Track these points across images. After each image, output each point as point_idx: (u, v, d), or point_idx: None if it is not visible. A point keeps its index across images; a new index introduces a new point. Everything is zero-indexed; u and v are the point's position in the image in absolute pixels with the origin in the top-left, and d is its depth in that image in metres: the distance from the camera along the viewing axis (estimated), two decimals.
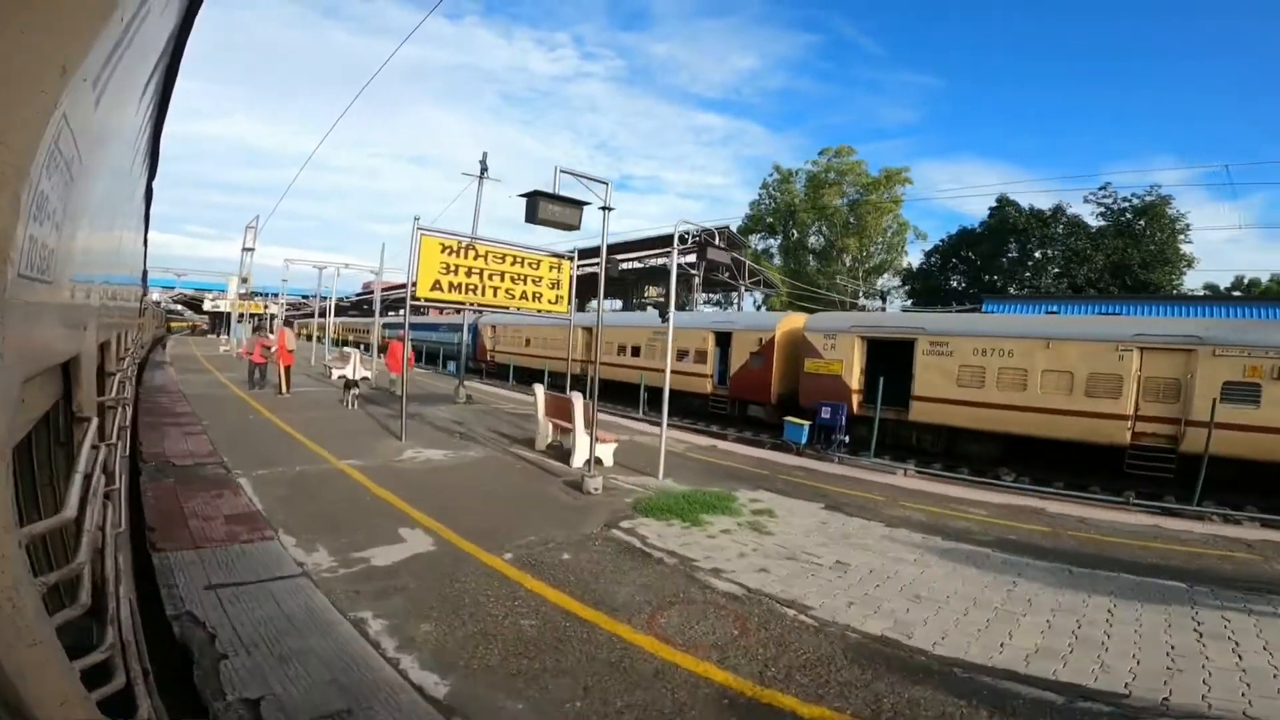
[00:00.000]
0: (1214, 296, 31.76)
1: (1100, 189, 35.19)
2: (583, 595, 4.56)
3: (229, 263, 55.88)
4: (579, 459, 8.70)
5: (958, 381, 15.97)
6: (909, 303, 40.25)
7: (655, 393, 22.05)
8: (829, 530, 6.77)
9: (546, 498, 7.24)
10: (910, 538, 6.64)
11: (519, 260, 10.68)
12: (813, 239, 44.41)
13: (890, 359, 17.41)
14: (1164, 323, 15.26)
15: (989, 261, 36.16)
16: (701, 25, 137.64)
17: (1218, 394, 12.83)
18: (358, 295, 64.59)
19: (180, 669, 3.29)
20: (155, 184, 7.56)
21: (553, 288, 11.44)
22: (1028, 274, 35.19)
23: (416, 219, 9.20)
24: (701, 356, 21.89)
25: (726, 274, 33.38)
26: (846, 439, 16.49)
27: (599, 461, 8.86)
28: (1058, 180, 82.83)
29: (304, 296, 66.41)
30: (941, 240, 41.09)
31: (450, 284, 9.63)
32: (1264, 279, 31.65)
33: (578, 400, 8.81)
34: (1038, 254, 35.48)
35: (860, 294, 42.79)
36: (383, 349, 35.65)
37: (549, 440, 9.74)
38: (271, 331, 31.13)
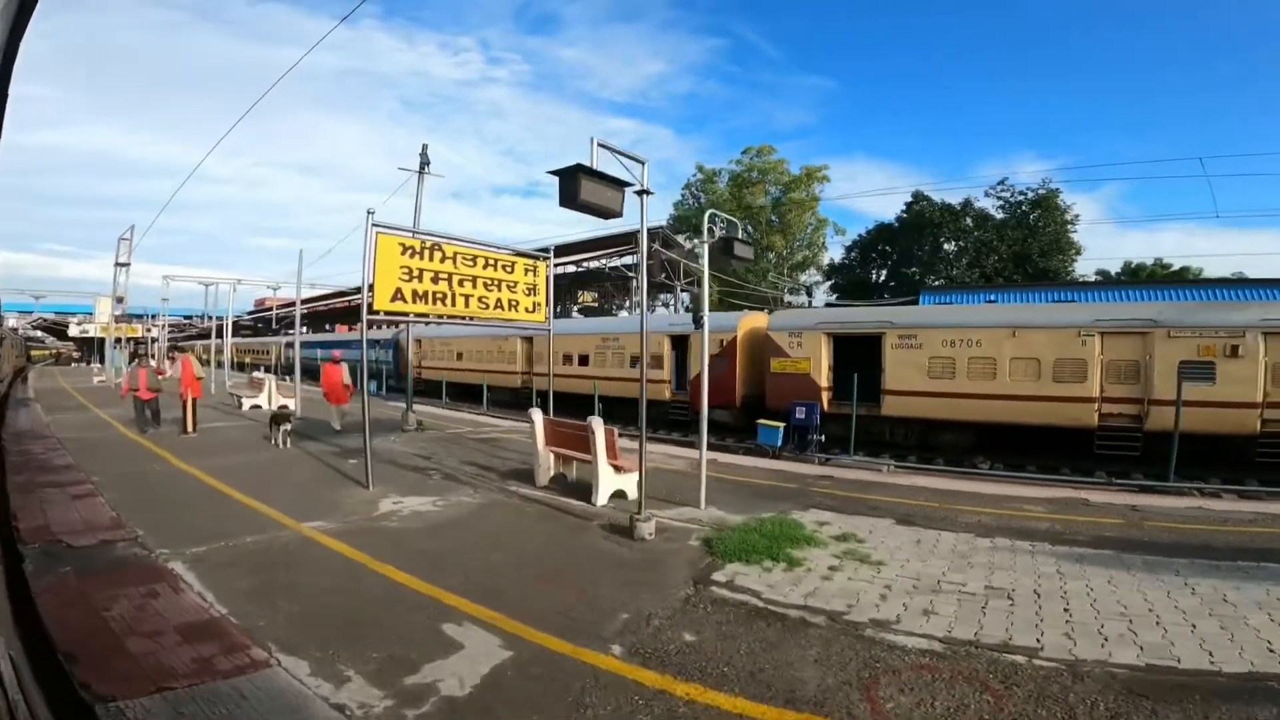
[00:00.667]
0: (1107, 281, 34.49)
1: (999, 184, 37.58)
2: (762, 693, 3.38)
3: (94, 283, 49.00)
4: (603, 495, 7.34)
5: (929, 373, 15.90)
6: (834, 297, 41.18)
7: (607, 403, 20.92)
8: (934, 550, 6.08)
9: (597, 552, 5.86)
10: (1022, 547, 6.14)
11: (492, 263, 9.12)
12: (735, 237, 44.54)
13: (858, 354, 17.15)
14: (1121, 308, 15.84)
15: (906, 255, 37.63)
16: (610, 30, 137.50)
17: (1177, 373, 13.24)
18: (250, 314, 58.59)
19: None
20: None
21: (529, 293, 9.94)
22: (941, 265, 36.89)
23: (370, 213, 7.44)
24: (657, 361, 20.82)
25: (663, 275, 32.57)
26: (822, 438, 16.04)
27: (622, 494, 7.54)
28: (945, 177, 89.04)
29: (186, 317, 59.27)
30: (859, 235, 42.53)
31: (414, 293, 7.93)
32: (1149, 263, 34.87)
33: (598, 427, 7.41)
34: (949, 246, 37.30)
35: (787, 291, 43.35)
36: (310, 373, 31.74)
37: (551, 473, 8.24)
38: (155, 358, 27.13)
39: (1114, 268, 37.44)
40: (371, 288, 7.51)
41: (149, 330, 37.86)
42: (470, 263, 8.70)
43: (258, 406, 17.67)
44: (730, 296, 40.25)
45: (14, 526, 5.74)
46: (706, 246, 8.12)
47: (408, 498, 7.37)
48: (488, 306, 8.98)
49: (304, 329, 59.21)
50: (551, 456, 8.11)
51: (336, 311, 59.87)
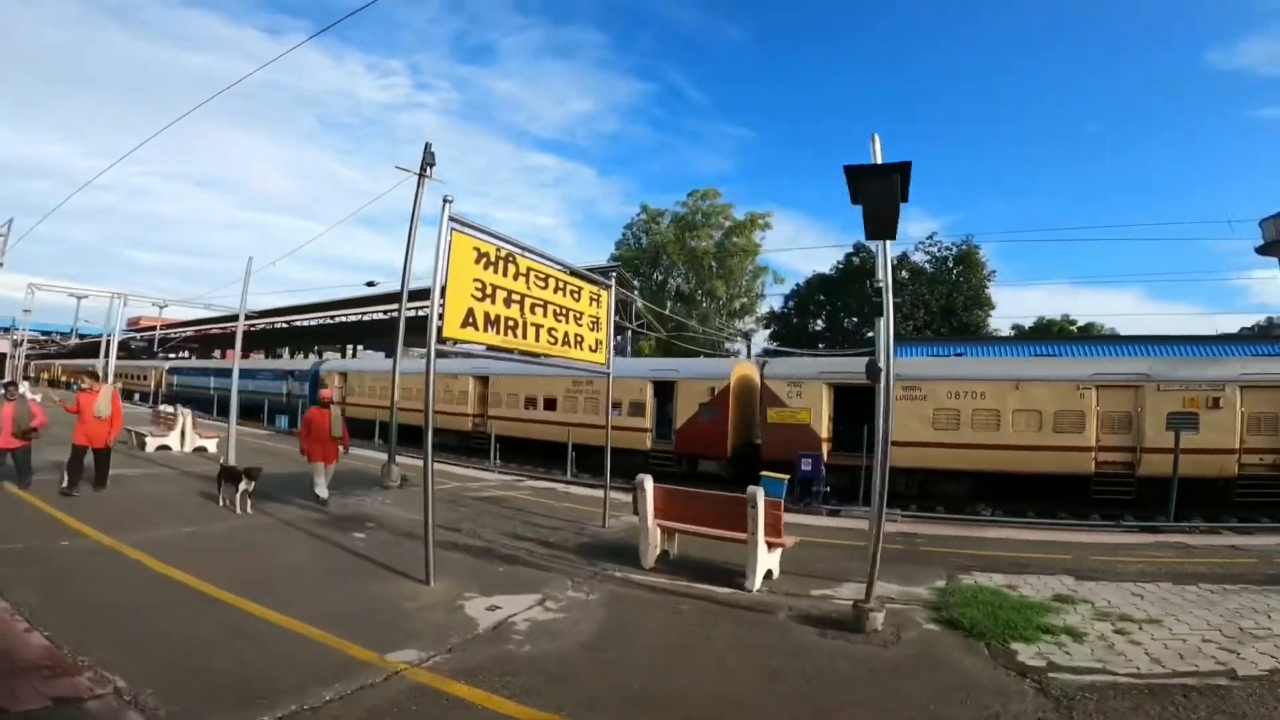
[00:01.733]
0: (1021, 336, 37.04)
1: (928, 238, 39.93)
2: None
3: None
4: (758, 578, 5.76)
5: (933, 424, 15.82)
6: (773, 345, 41.62)
7: (553, 449, 19.09)
8: (1168, 606, 5.65)
9: (849, 661, 4.39)
10: (1230, 589, 6.11)
11: (561, 286, 7.43)
12: (678, 281, 44.40)
13: (857, 405, 16.81)
14: (1114, 363, 16.56)
15: (848, 305, 38.81)
16: (545, 66, 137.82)
17: (1167, 422, 13.98)
18: (125, 332, 51.00)
19: None
20: None
21: (592, 328, 8.30)
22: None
23: (448, 201, 5.54)
24: (638, 409, 19.40)
25: (617, 316, 31.38)
26: (828, 489, 15.40)
27: (768, 574, 6.03)
28: (843, 230, 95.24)
29: (46, 333, 50.50)
30: (797, 285, 43.56)
31: (486, 317, 6.10)
32: (1056, 318, 37.98)
33: (760, 499, 5.87)
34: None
35: (726, 339, 43.41)
36: (284, 412, 26.85)
37: (657, 550, 6.50)
38: (28, 384, 22.46)
39: (1023, 323, 40.54)
40: (442, 299, 5.58)
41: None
42: (542, 283, 6.98)
43: (166, 448, 14.38)
44: (672, 344, 39.64)
45: None
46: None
47: (494, 596, 5.30)
48: (555, 341, 7.23)
49: (185, 354, 52.35)
50: (659, 532, 6.42)
51: (218, 337, 53.53)
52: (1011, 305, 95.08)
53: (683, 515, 6.47)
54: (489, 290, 6.19)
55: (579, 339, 7.84)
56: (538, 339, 6.95)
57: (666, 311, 42.52)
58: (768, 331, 43.68)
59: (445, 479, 12.98)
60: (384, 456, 13.08)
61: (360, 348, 43.63)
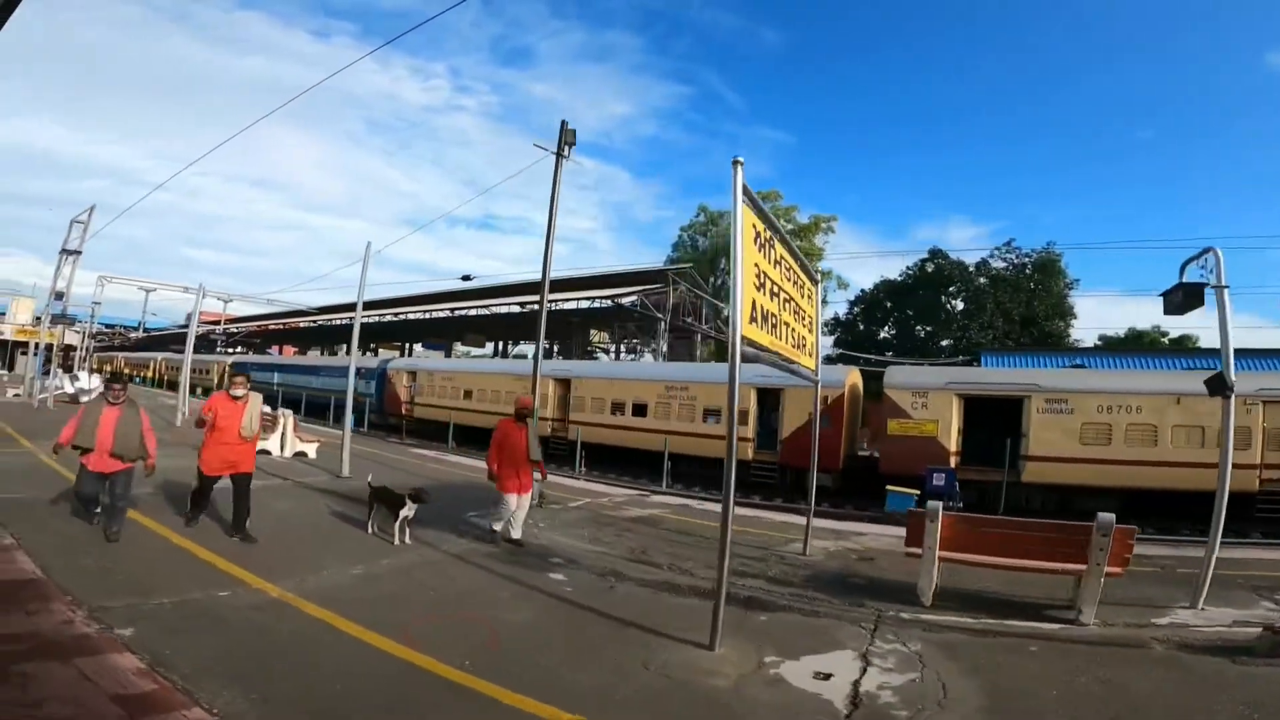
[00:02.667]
0: (1111, 347, 35.17)
1: (1005, 244, 38.19)
2: None
3: (11, 284, 41.62)
4: (1092, 611, 4.81)
5: (1080, 439, 14.73)
6: (836, 353, 40.32)
7: (632, 455, 18.14)
8: None
9: None
10: None
11: (797, 279, 6.49)
12: None
13: (986, 417, 15.83)
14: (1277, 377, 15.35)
15: (921, 312, 37.33)
16: (582, 69, 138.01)
17: None
18: (180, 327, 51.82)
19: None
20: None
21: (809, 328, 7.39)
22: (955, 325, 36.66)
23: (739, 162, 4.59)
24: (740, 416, 18.34)
25: (688, 318, 30.44)
26: (961, 505, 14.39)
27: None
28: (884, 236, 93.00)
29: (109, 326, 51.42)
30: (862, 291, 42.14)
31: (764, 312, 5.16)
32: (1148, 329, 35.97)
33: (1109, 528, 4.91)
34: (961, 305, 37.31)
35: None
36: (352, 410, 26.36)
37: (935, 585, 5.43)
38: (121, 386, 22.47)
39: (1109, 333, 38.59)
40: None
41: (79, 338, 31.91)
42: (790, 278, 6.07)
43: (266, 452, 13.49)
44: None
45: None
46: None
47: (801, 658, 4.32)
48: (791, 344, 6.27)
49: (241, 349, 52.89)
50: (936, 565, 5.45)
51: (276, 333, 53.95)
52: (1086, 315, 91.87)
53: (979, 546, 5.50)
54: (761, 280, 5.31)
55: (802, 341, 6.90)
56: (785, 340, 6.04)
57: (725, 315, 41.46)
58: (831, 339, 42.35)
59: (566, 493, 12.17)
60: (471, 462, 12.39)
61: (419, 346, 43.53)
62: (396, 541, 7.03)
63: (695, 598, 5.83)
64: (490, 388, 24.56)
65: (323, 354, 52.02)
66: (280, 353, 53.48)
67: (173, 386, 44.32)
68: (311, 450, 14.09)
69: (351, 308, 44.30)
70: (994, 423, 15.72)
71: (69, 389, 23.67)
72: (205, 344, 57.25)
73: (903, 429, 16.10)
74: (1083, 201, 79.79)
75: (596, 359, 36.45)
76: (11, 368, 39.04)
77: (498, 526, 7.47)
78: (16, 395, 24.85)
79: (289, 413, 14.57)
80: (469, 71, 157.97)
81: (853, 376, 18.33)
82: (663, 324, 28.32)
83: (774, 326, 5.66)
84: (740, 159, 4.74)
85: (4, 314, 40.75)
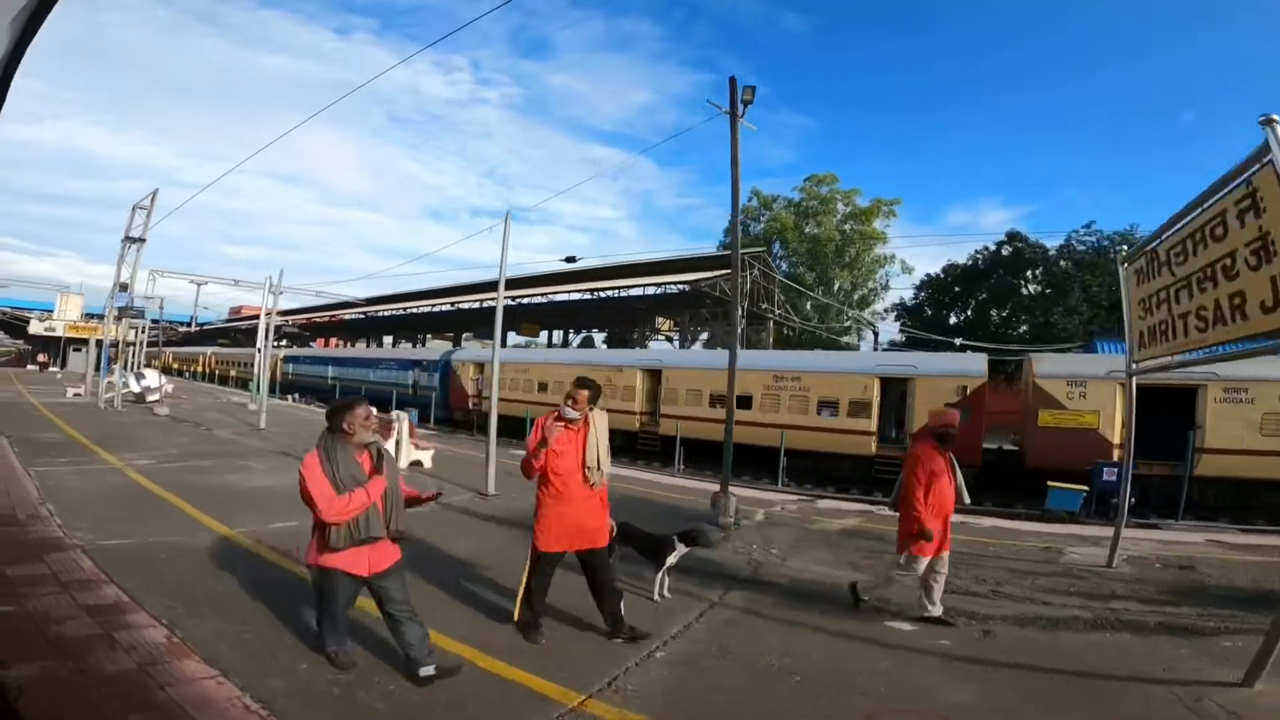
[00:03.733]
0: None
1: (1085, 227, 36.28)
2: None
3: (55, 282, 41.41)
4: None
5: (1260, 430, 13.36)
6: (901, 339, 38.81)
7: (767, 455, 16.81)
8: None
9: None
10: None
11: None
12: (799, 270, 41.88)
13: (1148, 408, 14.46)
14: None
15: (998, 297, 35.64)
16: (601, 58, 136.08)
17: None
18: (226, 321, 51.59)
19: None
20: None
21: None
22: (1034, 310, 34.94)
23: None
24: (860, 409, 17.19)
25: (764, 305, 29.20)
26: (1133, 500, 13.17)
27: None
28: (915, 220, 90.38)
29: (154, 321, 51.11)
30: (928, 275, 40.48)
31: None
32: None
33: None
34: (1033, 290, 35.61)
35: (846, 329, 40.79)
36: (411, 405, 25.29)
37: None
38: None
39: None
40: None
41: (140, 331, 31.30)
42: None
43: (418, 463, 11.80)
44: (790, 338, 37.24)
45: None
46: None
47: None
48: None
49: (285, 343, 52.45)
50: None
51: (320, 326, 53.45)
52: None
53: None
54: None
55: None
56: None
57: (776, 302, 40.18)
58: (896, 324, 40.86)
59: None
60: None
61: (470, 336, 42.71)
62: (656, 595, 5.31)
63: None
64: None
65: (368, 345, 51.60)
66: (325, 346, 53.00)
67: (224, 381, 44.12)
68: (427, 459, 12.25)
69: (397, 299, 43.21)
70: (1157, 413, 14.40)
71: (135, 388, 22.54)
72: (248, 337, 57.01)
73: (1055, 420, 14.81)
74: (1126, 184, 76.47)
75: (646, 347, 35.43)
76: (64, 365, 38.85)
77: (933, 609, 4.97)
78: (78, 395, 23.54)
79: (405, 415, 12.63)
80: (489, 64, 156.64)
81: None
82: (740, 309, 27.00)
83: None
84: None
85: (52, 311, 40.51)
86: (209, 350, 48.51)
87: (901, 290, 41.44)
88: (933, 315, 38.52)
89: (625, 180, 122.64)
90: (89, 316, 40.89)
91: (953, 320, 38.86)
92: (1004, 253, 35.76)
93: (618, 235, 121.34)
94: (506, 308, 36.29)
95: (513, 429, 24.95)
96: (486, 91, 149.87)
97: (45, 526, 6.11)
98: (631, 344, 32.48)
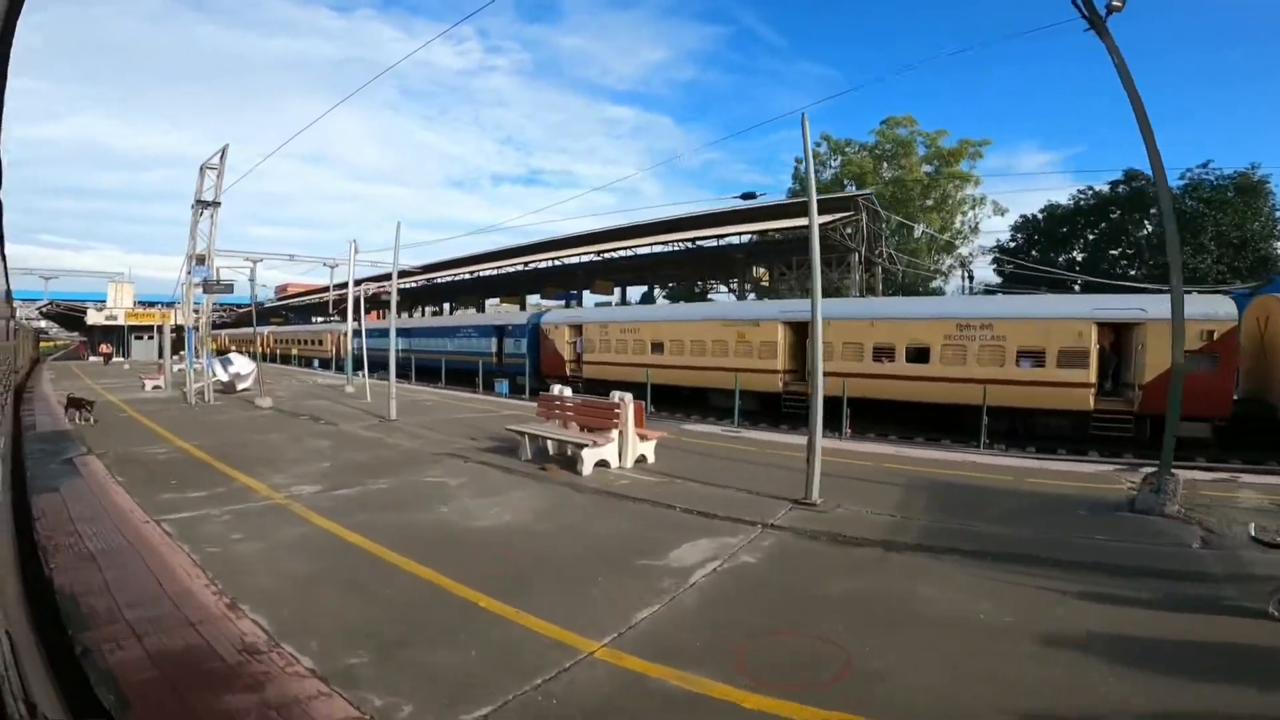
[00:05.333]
0: None
1: (1203, 165, 33.29)
2: None
3: (100, 275, 39.72)
4: None
5: None
6: (997, 282, 36.33)
7: (953, 412, 14.78)
8: None
9: None
10: None
11: None
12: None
13: None
14: None
15: (1111, 238, 32.92)
16: (610, 17, 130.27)
17: None
18: (278, 300, 49.83)
19: None
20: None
21: None
22: (1148, 250, 32.30)
23: None
24: (1076, 358, 15.01)
25: (875, 250, 26.79)
26: None
27: None
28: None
29: (227, 305, 49.47)
30: (1024, 216, 37.57)
31: None
32: None
33: None
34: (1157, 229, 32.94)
35: (935, 273, 38.31)
36: (500, 375, 23.50)
37: None
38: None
39: None
40: None
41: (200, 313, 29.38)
42: None
43: (604, 464, 8.90)
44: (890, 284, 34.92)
45: None
46: None
47: None
48: None
49: (286, 318, 50.66)
50: None
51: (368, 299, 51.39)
52: None
53: None
54: None
55: None
56: None
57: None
58: (991, 266, 38.24)
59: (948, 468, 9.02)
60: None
61: (533, 298, 40.66)
62: None
63: None
64: (691, 337, 21.41)
65: (421, 314, 49.77)
66: (376, 319, 51.12)
67: (285, 360, 42.56)
68: (650, 451, 9.56)
69: (453, 265, 40.84)
70: None
71: (222, 376, 20.26)
72: (298, 315, 55.18)
73: None
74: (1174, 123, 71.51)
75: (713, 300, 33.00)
76: (127, 354, 37.32)
77: None
78: (157, 388, 21.34)
79: (628, 396, 9.54)
80: (498, 31, 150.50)
81: (1262, 305, 14.78)
82: (857, 255, 24.69)
83: None
84: None
85: (103, 301, 38.84)
86: (266, 330, 46.95)
87: (997, 232, 38.78)
88: (1039, 257, 35.84)
89: (646, 138, 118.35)
90: (142, 304, 39.37)
91: (1063, 260, 36.23)
92: (1119, 191, 32.86)
93: (642, 193, 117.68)
94: (581, 264, 34.19)
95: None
96: (496, 59, 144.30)
97: (267, 661, 3.45)
98: (698, 297, 30.15)
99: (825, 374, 18.60)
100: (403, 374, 24.65)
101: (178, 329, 44.59)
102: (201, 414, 15.32)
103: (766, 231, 26.63)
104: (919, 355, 16.99)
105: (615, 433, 8.91)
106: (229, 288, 20.45)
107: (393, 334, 15.63)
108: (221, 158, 19.33)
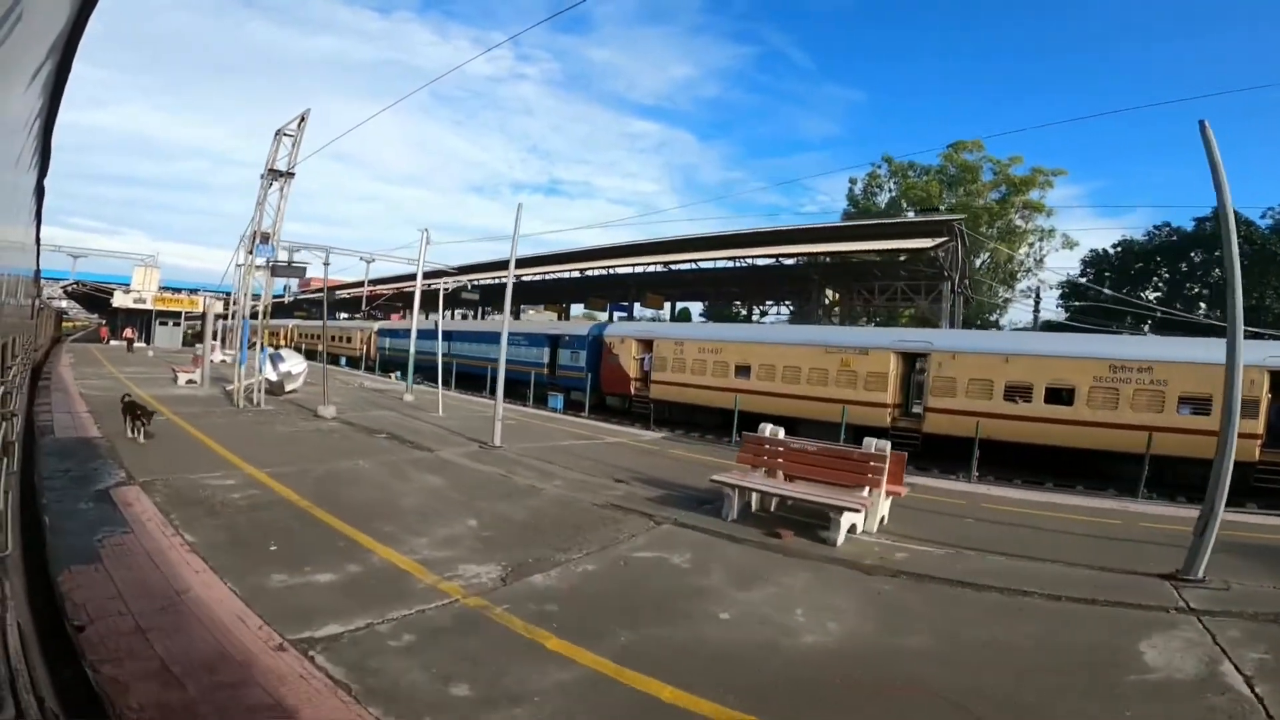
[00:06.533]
0: None
1: None
2: None
3: (129, 257, 37.97)
4: None
5: None
6: (1063, 316, 34.76)
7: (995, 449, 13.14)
8: None
9: None
10: None
11: None
12: None
13: None
14: None
15: (1193, 276, 31.42)
16: (640, 31, 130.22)
17: None
18: (303, 294, 48.03)
19: None
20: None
21: None
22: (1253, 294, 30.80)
23: None
24: (1244, 407, 13.36)
25: (963, 280, 25.22)
26: None
27: None
28: None
29: (226, 294, 47.67)
30: (1095, 251, 36.02)
31: None
32: None
33: None
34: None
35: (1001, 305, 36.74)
36: (555, 388, 19.94)
37: None
38: None
39: None
40: None
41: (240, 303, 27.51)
42: None
43: (786, 504, 7.62)
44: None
45: None
46: None
47: None
48: None
49: (378, 314, 48.97)
50: None
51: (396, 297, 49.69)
52: None
53: None
54: None
55: None
56: None
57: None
58: (1057, 302, 36.64)
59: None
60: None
61: (581, 307, 39.03)
62: None
63: None
64: (785, 362, 19.71)
65: (454, 317, 48.03)
66: (399, 319, 49.48)
67: (310, 356, 40.52)
68: (887, 509, 7.62)
69: (496, 266, 39.02)
70: None
71: (271, 375, 17.64)
72: (319, 311, 53.18)
73: None
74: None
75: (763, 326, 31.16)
76: (149, 340, 35.59)
77: None
78: (191, 382, 19.09)
79: (885, 445, 7.35)
80: (528, 39, 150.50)
81: None
82: (950, 283, 23.09)
83: None
84: None
85: (126, 284, 37.15)
86: (290, 323, 45.21)
87: (1065, 266, 37.31)
88: (1113, 294, 34.29)
89: (667, 153, 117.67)
90: (166, 290, 37.77)
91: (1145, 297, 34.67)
92: (1205, 229, 31.40)
93: (660, 208, 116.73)
94: (636, 275, 32.49)
95: (705, 422, 21.45)
96: (526, 67, 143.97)
97: None
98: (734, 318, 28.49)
99: (942, 411, 17.05)
100: (426, 376, 22.59)
101: (201, 317, 42.78)
102: (257, 422, 13.15)
103: (848, 254, 25.04)
104: (1060, 396, 15.35)
105: (867, 490, 7.17)
106: (300, 272, 18.24)
107: (504, 342, 13.61)
108: (300, 123, 17.48)
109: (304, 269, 17.90)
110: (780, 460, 7.75)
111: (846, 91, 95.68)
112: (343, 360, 38.26)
